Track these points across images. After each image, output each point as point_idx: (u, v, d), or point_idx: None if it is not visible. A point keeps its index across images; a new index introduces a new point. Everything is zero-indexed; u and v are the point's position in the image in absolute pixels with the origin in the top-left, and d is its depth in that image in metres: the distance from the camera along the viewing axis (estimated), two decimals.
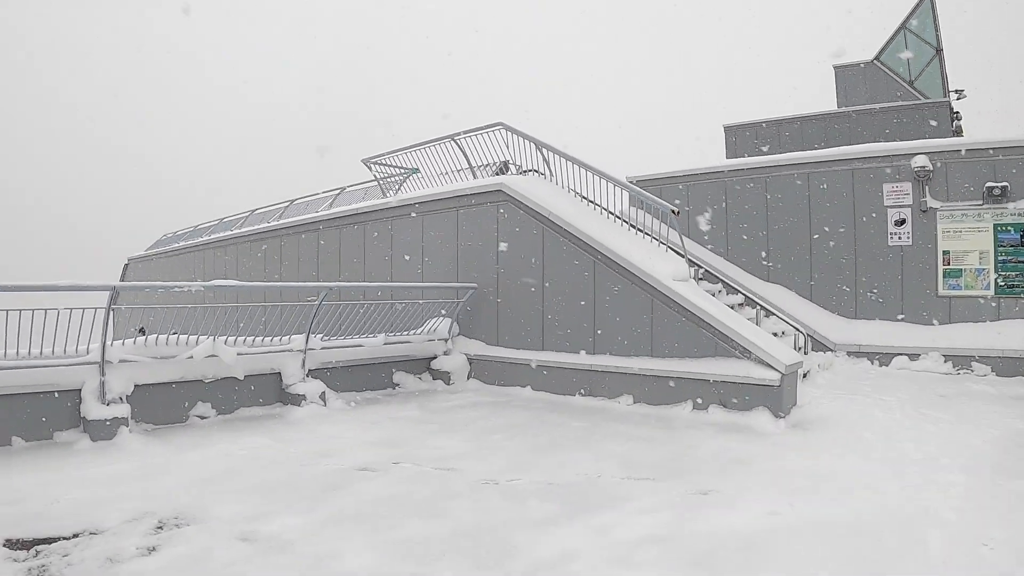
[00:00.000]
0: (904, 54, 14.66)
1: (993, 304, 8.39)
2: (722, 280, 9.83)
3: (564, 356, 7.47)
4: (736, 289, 9.69)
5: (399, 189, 11.58)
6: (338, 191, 13.82)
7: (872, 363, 8.71)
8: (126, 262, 25.63)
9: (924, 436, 5.28)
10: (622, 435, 5.73)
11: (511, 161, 13.59)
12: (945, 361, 8.28)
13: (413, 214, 9.61)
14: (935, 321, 8.65)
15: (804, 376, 7.70)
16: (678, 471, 4.63)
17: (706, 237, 10.30)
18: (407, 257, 9.77)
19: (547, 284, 7.73)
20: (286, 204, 15.95)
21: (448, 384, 8.50)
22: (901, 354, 8.55)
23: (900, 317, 8.89)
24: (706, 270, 9.75)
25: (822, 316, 9.26)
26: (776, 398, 5.75)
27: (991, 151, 8.46)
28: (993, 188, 8.37)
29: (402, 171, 11.68)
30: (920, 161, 8.73)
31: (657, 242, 7.21)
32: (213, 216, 20.41)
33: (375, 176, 11.66)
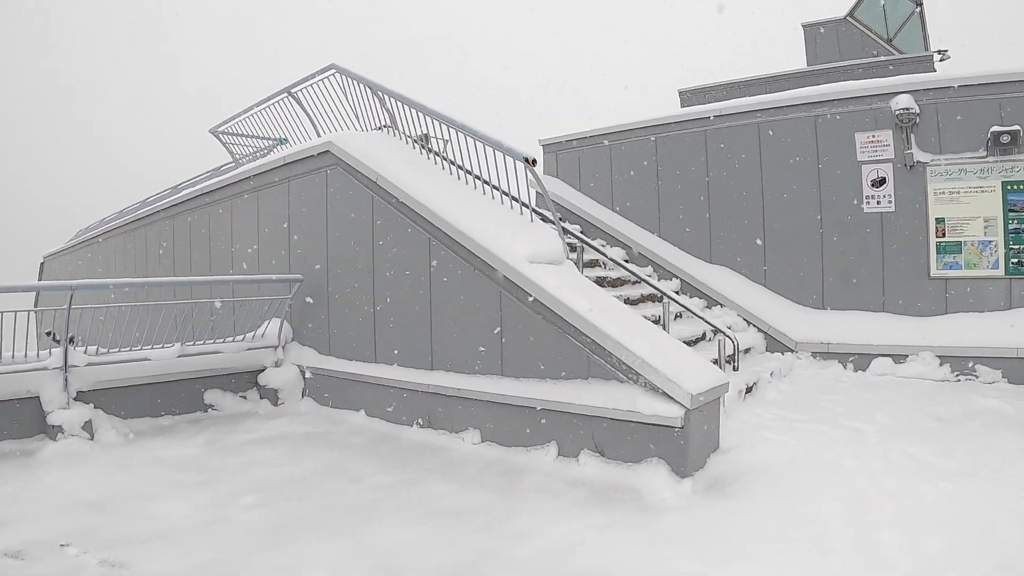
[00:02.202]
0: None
1: (1003, 288, 6.23)
2: (652, 263, 7.64)
3: (398, 371, 5.22)
4: (671, 275, 7.51)
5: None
6: (210, 172, 11.51)
7: (845, 367, 6.53)
8: (42, 261, 23.54)
9: (917, 512, 3.07)
10: (431, 504, 3.62)
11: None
12: (941, 364, 6.12)
13: (246, 193, 7.38)
14: (927, 311, 6.48)
15: (749, 391, 5.49)
16: None
17: (634, 210, 8.06)
18: (244, 243, 7.53)
19: (377, 273, 5.48)
20: (169, 190, 13.64)
21: (276, 404, 6.42)
22: (883, 355, 6.37)
23: (880, 306, 6.71)
24: (623, 252, 7.59)
25: (779, 306, 7.06)
26: (677, 445, 3.52)
27: (997, 86, 6.29)
28: (1001, 134, 6.21)
29: (269, 142, 9.38)
30: (903, 102, 6.55)
31: (539, 216, 4.92)
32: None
33: (228, 150, 9.35)
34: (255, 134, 9.18)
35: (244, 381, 6.63)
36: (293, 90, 7.42)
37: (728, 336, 4.41)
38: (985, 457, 3.78)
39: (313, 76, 7.05)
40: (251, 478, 4.24)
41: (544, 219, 4.93)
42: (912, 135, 6.55)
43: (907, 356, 6.24)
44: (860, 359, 6.47)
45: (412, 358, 5.12)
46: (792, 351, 6.78)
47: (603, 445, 3.82)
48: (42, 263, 23.49)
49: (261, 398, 6.55)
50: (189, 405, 6.24)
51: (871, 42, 12.92)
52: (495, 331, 4.43)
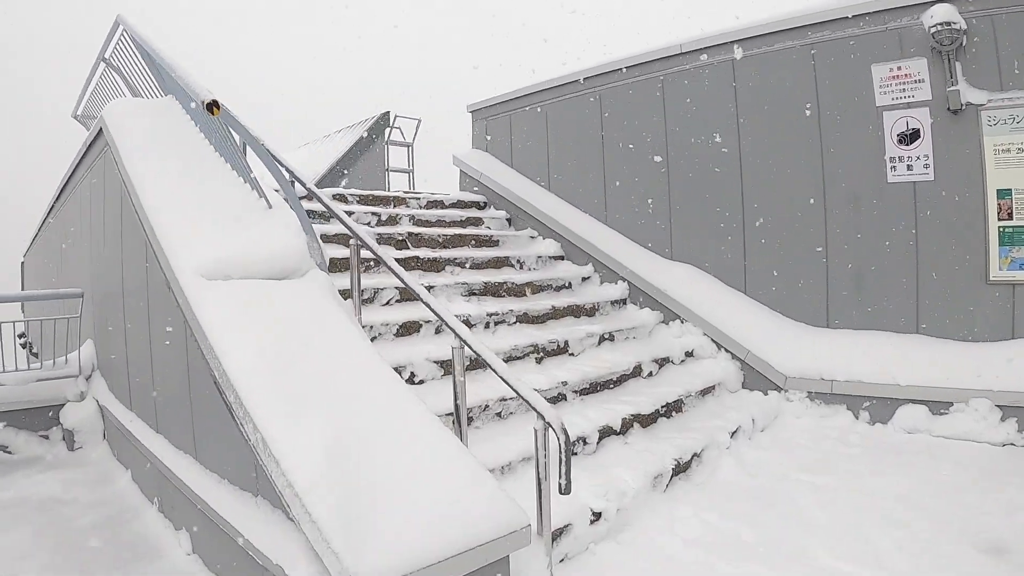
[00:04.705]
0: None
1: None
2: (593, 260, 5.68)
3: (142, 428, 3.53)
4: (617, 276, 5.52)
5: None
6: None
7: (857, 417, 4.38)
8: (22, 261, 23.42)
9: None
10: None
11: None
12: (1003, 418, 3.91)
13: (78, 185, 5.94)
14: (983, 334, 4.25)
15: (681, 471, 3.48)
16: None
17: (575, 191, 6.06)
18: (72, 248, 6.10)
19: (126, 287, 3.80)
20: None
21: (71, 449, 5.06)
22: (914, 401, 4.19)
23: (912, 326, 4.51)
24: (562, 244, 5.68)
25: (763, 322, 4.94)
26: None
27: None
28: None
29: None
30: (941, 14, 4.34)
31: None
32: None
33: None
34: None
35: (47, 417, 5.23)
36: (106, 55, 5.81)
37: (551, 426, 2.13)
38: None
39: (111, 40, 5.43)
40: None
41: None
42: (957, 64, 4.34)
43: (951, 404, 4.05)
44: (879, 405, 4.31)
45: (146, 412, 3.41)
46: (780, 389, 4.67)
47: None
48: (23, 263, 23.25)
49: (62, 439, 5.16)
50: None
51: None
52: (183, 385, 2.64)
